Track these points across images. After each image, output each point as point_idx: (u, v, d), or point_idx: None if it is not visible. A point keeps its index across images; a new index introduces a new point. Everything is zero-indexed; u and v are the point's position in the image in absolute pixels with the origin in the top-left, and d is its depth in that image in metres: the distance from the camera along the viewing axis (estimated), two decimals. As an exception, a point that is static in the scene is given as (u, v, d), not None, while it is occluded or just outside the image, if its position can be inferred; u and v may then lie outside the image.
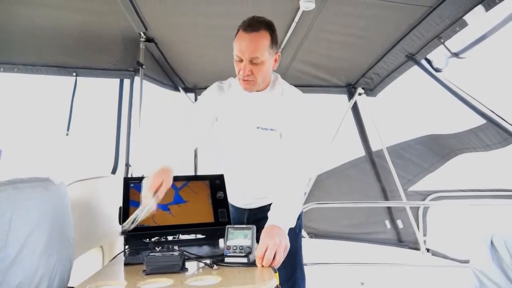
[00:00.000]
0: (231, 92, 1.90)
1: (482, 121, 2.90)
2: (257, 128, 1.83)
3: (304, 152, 1.76)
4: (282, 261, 1.45)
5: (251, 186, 1.98)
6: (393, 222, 3.94)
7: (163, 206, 1.87)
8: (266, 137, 1.83)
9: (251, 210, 2.02)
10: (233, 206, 2.09)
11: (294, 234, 1.97)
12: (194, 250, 1.65)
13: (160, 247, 1.45)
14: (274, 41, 1.73)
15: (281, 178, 1.69)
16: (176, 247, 1.45)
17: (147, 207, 1.51)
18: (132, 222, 1.50)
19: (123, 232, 1.53)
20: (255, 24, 1.67)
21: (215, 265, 1.42)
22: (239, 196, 2.05)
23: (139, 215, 1.51)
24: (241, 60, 1.69)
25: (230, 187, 2.04)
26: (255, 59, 1.67)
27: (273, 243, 1.41)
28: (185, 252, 1.47)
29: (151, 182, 1.55)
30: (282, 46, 2.81)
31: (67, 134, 3.06)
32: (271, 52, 1.73)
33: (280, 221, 1.54)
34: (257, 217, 1.71)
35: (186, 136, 1.82)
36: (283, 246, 1.44)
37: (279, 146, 1.80)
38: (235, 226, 1.56)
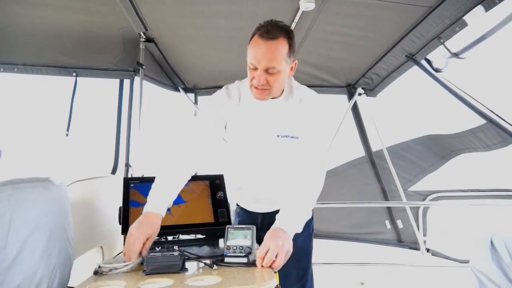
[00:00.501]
0: (243, 99, 1.79)
1: (482, 121, 2.90)
2: (277, 136, 1.75)
3: (320, 158, 1.71)
4: (283, 264, 1.44)
5: (268, 192, 1.90)
6: (393, 222, 3.94)
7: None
8: (287, 145, 1.76)
9: (264, 214, 1.96)
10: (245, 210, 2.05)
11: (308, 235, 1.95)
12: (194, 250, 1.66)
13: (160, 247, 1.45)
14: (292, 49, 1.63)
15: (295, 183, 1.65)
16: (176, 247, 1.45)
17: (131, 264, 1.43)
18: (110, 270, 1.41)
19: (95, 273, 1.41)
20: (273, 31, 1.56)
21: (215, 265, 1.42)
22: (254, 202, 1.99)
23: (120, 269, 1.42)
24: (255, 68, 1.60)
25: (245, 193, 2.01)
26: (271, 69, 1.58)
27: (275, 246, 1.41)
28: (185, 252, 1.47)
29: (136, 238, 1.43)
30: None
31: (67, 134, 3.06)
32: (288, 61, 1.63)
33: (287, 225, 1.52)
34: (271, 221, 1.66)
35: (192, 154, 1.69)
36: (285, 250, 1.43)
37: (299, 152, 1.73)
38: (235, 226, 1.56)
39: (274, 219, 1.57)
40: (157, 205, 1.53)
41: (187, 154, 1.69)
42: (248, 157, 1.87)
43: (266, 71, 1.59)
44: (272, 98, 1.74)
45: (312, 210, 2.00)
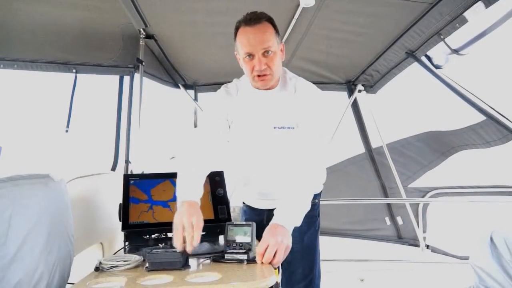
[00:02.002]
0: (241, 94, 1.82)
1: (482, 117, 2.91)
2: (274, 128, 1.76)
3: (317, 149, 1.71)
4: (282, 260, 1.44)
5: (272, 186, 1.88)
6: (393, 218, 3.94)
7: (163, 203, 1.87)
8: (284, 136, 1.76)
9: (270, 211, 1.92)
10: (251, 207, 2.04)
11: (314, 232, 1.94)
12: (194, 246, 1.66)
13: (163, 244, 1.45)
14: (277, 31, 1.69)
15: (292, 177, 1.64)
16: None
17: (132, 263, 1.43)
18: (111, 268, 1.41)
19: (96, 269, 1.41)
20: (254, 17, 1.64)
21: (215, 262, 1.42)
22: (259, 198, 1.98)
23: (122, 267, 1.42)
24: (252, 57, 1.63)
25: (249, 190, 2.00)
26: (267, 50, 1.62)
27: (275, 242, 1.41)
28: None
29: (187, 222, 1.42)
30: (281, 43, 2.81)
31: (67, 131, 3.06)
32: (278, 41, 1.69)
33: (285, 220, 1.52)
34: None
35: (206, 153, 1.72)
36: (284, 246, 1.43)
37: (297, 143, 1.73)
38: (234, 223, 1.56)
39: None
40: (191, 195, 1.56)
41: (202, 154, 1.71)
42: (248, 152, 1.87)
43: (264, 54, 1.63)
44: (268, 89, 1.76)
45: (318, 208, 1.99)
